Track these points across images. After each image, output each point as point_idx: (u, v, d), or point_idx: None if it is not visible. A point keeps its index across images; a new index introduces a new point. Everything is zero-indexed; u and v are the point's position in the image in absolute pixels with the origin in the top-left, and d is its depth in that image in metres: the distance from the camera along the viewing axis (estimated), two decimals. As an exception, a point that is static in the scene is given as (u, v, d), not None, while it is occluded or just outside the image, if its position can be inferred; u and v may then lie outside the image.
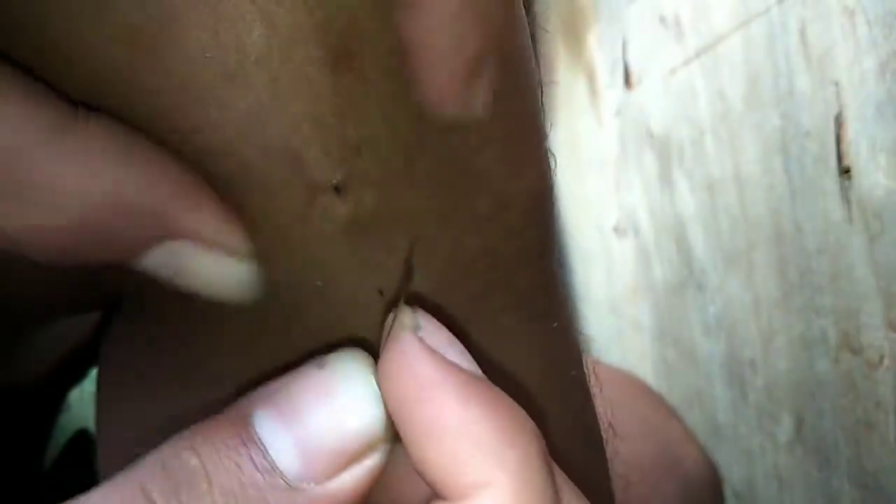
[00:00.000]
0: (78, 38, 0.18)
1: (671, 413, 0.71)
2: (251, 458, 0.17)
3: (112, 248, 0.18)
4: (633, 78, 0.71)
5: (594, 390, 0.27)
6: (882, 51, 0.35)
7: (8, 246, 0.18)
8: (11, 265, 0.22)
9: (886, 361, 0.38)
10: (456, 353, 0.19)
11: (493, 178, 0.22)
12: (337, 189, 0.20)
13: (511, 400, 0.18)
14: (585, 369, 0.27)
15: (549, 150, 0.24)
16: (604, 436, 0.27)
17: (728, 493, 0.63)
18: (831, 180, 0.40)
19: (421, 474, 0.18)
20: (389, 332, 0.19)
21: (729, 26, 0.50)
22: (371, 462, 0.18)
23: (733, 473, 0.61)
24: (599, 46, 0.81)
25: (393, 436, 0.18)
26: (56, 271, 0.22)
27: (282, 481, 0.17)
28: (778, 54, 0.44)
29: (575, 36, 0.87)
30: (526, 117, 0.22)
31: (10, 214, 0.17)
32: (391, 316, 0.19)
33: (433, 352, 0.18)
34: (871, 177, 0.37)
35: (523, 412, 0.18)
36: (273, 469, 0.17)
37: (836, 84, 0.39)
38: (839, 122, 0.39)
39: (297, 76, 0.19)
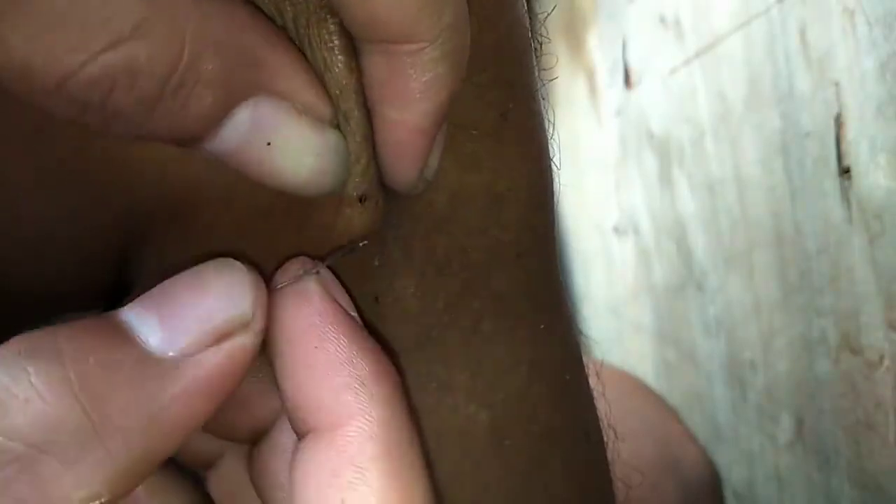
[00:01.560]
0: None
1: (671, 413, 0.71)
2: (112, 337, 0.17)
3: (202, 94, 0.17)
4: (633, 78, 0.71)
5: (597, 392, 0.27)
6: (882, 51, 0.35)
7: (99, 96, 0.16)
8: (14, 258, 0.22)
9: (886, 362, 0.38)
10: (343, 300, 0.20)
11: (446, 176, 0.22)
12: (361, 199, 0.21)
13: (381, 350, 0.20)
14: (584, 373, 0.27)
15: (535, 156, 0.24)
16: (605, 438, 0.27)
17: (728, 493, 0.63)
18: (831, 181, 0.40)
19: (294, 409, 0.19)
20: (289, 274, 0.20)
21: (729, 26, 0.50)
22: (242, 339, 0.18)
23: (733, 474, 0.61)
24: (599, 46, 0.81)
25: (264, 321, 0.19)
26: (58, 264, 0.22)
27: (146, 353, 0.17)
28: (778, 54, 0.44)
29: (575, 36, 0.87)
30: (484, 127, 0.23)
31: (101, 46, 0.16)
32: (292, 261, 0.20)
33: (323, 291, 0.20)
34: (871, 177, 0.37)
35: (389, 361, 0.20)
36: (135, 341, 0.17)
37: (836, 84, 0.39)
38: (839, 122, 0.39)
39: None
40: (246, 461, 0.22)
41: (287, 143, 0.18)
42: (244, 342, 0.18)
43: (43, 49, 0.15)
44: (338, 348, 0.19)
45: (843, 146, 0.39)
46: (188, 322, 0.18)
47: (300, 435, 0.19)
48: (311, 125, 0.19)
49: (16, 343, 0.17)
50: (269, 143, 0.18)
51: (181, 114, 0.17)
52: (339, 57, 0.19)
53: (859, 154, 0.38)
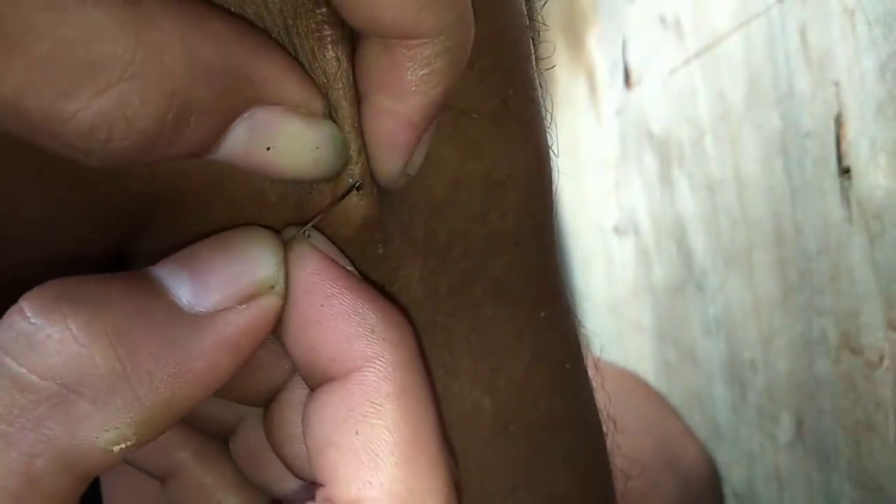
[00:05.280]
0: None
1: (671, 411, 0.71)
2: (145, 290, 0.18)
3: (199, 121, 0.17)
4: (633, 78, 0.71)
5: (596, 384, 0.28)
6: (882, 51, 0.35)
7: (97, 138, 0.16)
8: (10, 249, 0.22)
9: (886, 361, 0.38)
10: (342, 260, 0.21)
11: (445, 162, 0.22)
12: (357, 188, 0.21)
13: (387, 300, 0.20)
14: (584, 363, 0.27)
15: (534, 143, 0.24)
16: (604, 429, 0.28)
17: (728, 493, 0.63)
18: (831, 181, 0.40)
19: (307, 365, 0.20)
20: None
21: (729, 26, 0.50)
22: (268, 300, 0.19)
23: (733, 473, 0.61)
24: (599, 46, 0.81)
25: (283, 295, 0.19)
26: (54, 255, 0.22)
27: (177, 306, 0.18)
28: (778, 54, 0.44)
29: (575, 36, 0.87)
30: (483, 112, 0.23)
31: (94, 91, 0.16)
32: (283, 230, 0.20)
33: (322, 252, 0.20)
34: (871, 177, 0.37)
35: (396, 308, 0.20)
36: (167, 295, 0.18)
37: (836, 84, 0.39)
38: (839, 122, 0.39)
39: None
40: (261, 431, 0.23)
41: (286, 144, 0.19)
42: (270, 303, 0.19)
43: (34, 98, 0.15)
44: (343, 301, 0.19)
45: (843, 146, 0.39)
46: (218, 281, 0.18)
47: (314, 388, 0.20)
48: (305, 122, 0.19)
49: (50, 287, 0.17)
50: (268, 148, 0.19)
51: (180, 141, 0.17)
52: (328, 48, 0.20)
53: (859, 154, 0.38)
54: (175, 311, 0.18)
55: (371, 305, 0.19)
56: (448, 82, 0.19)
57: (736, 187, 0.53)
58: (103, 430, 0.17)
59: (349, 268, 0.20)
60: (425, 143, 0.21)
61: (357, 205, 0.21)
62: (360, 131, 0.20)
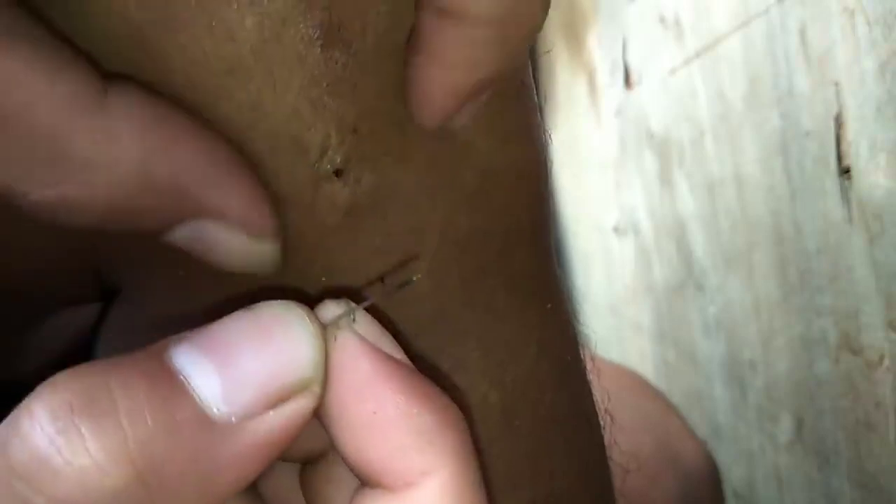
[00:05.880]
0: (83, 33, 0.18)
1: (671, 408, 0.71)
2: (168, 389, 0.16)
3: (141, 221, 0.19)
4: (633, 78, 0.71)
5: (592, 379, 0.28)
6: (882, 51, 0.35)
7: (46, 214, 0.18)
8: (11, 257, 0.22)
9: (886, 361, 0.38)
10: (388, 345, 0.19)
11: (478, 151, 0.22)
12: (337, 173, 0.20)
13: (440, 390, 0.18)
14: (582, 356, 0.27)
15: (542, 132, 0.24)
16: (602, 424, 0.28)
17: (728, 493, 0.63)
18: (831, 180, 0.40)
19: (357, 470, 0.18)
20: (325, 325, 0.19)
21: (729, 26, 0.50)
22: (302, 402, 0.17)
23: (733, 473, 0.61)
24: (599, 46, 0.81)
25: (324, 383, 0.18)
26: (56, 263, 0.22)
27: (204, 413, 0.16)
28: (778, 54, 0.44)
29: (575, 36, 0.87)
30: (511, 94, 0.22)
31: (46, 184, 0.17)
32: (324, 304, 0.19)
33: (370, 345, 0.18)
34: (871, 177, 0.37)
35: (451, 401, 0.18)
36: (192, 397, 0.16)
37: (836, 84, 0.39)
38: (839, 122, 0.39)
39: (290, 56, 0.19)
40: (296, 474, 0.21)
41: (226, 251, 0.20)
42: (304, 405, 0.17)
43: None
44: (397, 407, 0.18)
45: (843, 146, 0.39)
46: (249, 379, 0.17)
47: (364, 483, 0.18)
48: (247, 240, 0.20)
49: (65, 390, 0.16)
50: (209, 249, 0.19)
51: (127, 227, 0.19)
52: (316, 46, 0.20)
53: (859, 154, 0.38)
54: (202, 420, 0.16)
55: (427, 407, 0.18)
56: (497, 66, 0.19)
57: (736, 187, 0.53)
58: None
59: (398, 356, 0.19)
60: (470, 110, 0.21)
61: (340, 191, 0.21)
62: (349, 125, 0.20)
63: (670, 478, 0.61)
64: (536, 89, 0.24)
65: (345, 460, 0.18)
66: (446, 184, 0.22)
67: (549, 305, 0.25)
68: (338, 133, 0.20)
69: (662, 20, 0.61)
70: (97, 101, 0.17)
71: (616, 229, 0.83)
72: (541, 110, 0.25)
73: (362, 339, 0.18)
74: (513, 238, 0.23)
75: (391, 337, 0.19)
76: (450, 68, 0.19)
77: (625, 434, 0.30)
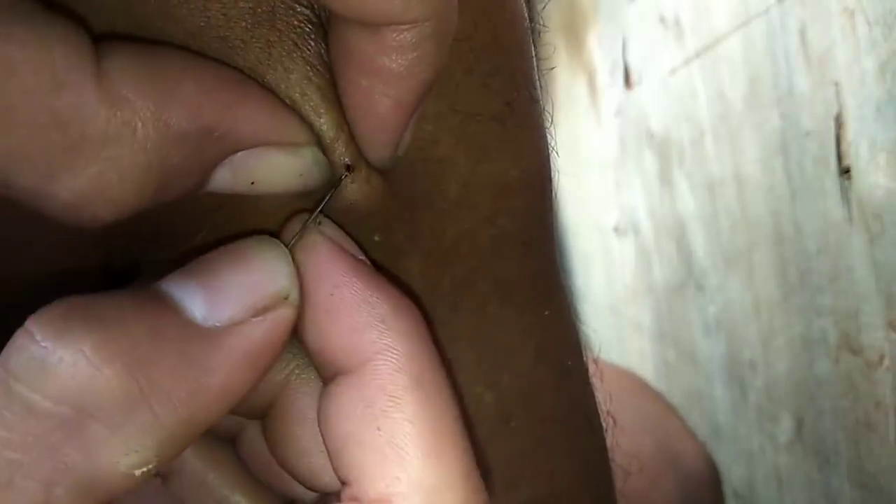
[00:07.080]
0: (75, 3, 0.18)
1: (671, 410, 0.71)
2: (156, 307, 0.18)
3: (180, 180, 0.18)
4: (633, 78, 0.71)
5: (594, 382, 0.28)
6: (882, 51, 0.35)
7: (82, 212, 0.17)
8: (18, 260, 0.22)
9: (886, 361, 0.38)
10: (351, 247, 0.20)
11: (457, 164, 0.23)
12: (349, 168, 0.21)
13: (397, 287, 0.20)
14: (585, 360, 0.27)
15: (540, 149, 0.24)
16: (604, 425, 0.28)
17: (728, 493, 0.63)
18: (831, 180, 0.40)
19: (319, 355, 0.19)
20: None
21: (729, 26, 0.50)
22: (282, 312, 0.19)
23: (733, 473, 0.61)
24: (599, 46, 0.81)
25: (297, 306, 0.19)
26: (60, 265, 0.22)
27: (191, 322, 0.18)
28: (778, 54, 0.44)
29: (575, 36, 0.87)
30: (489, 115, 0.23)
31: (73, 173, 0.17)
32: (292, 218, 0.20)
33: (332, 240, 0.20)
34: (871, 177, 0.37)
35: (407, 296, 0.20)
36: (180, 311, 0.18)
37: (836, 84, 0.39)
38: (839, 122, 0.39)
39: (287, 40, 0.20)
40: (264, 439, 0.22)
41: (268, 177, 0.20)
42: (284, 314, 0.19)
43: (19, 177, 0.16)
44: (353, 291, 0.19)
45: (843, 146, 0.39)
46: (232, 294, 0.18)
47: (327, 380, 0.20)
48: (286, 154, 0.20)
49: (58, 307, 0.17)
50: (252, 183, 0.19)
51: (165, 196, 0.18)
52: (310, 38, 0.20)
53: (859, 154, 0.38)
54: (190, 327, 0.18)
55: (381, 294, 0.19)
56: (437, 64, 0.19)
57: (736, 187, 0.53)
58: (123, 455, 0.17)
59: (360, 257, 0.20)
60: (413, 124, 0.21)
61: (349, 188, 0.21)
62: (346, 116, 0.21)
63: (670, 479, 0.61)
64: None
65: (306, 348, 0.20)
66: (435, 192, 0.23)
67: (546, 312, 0.25)
68: (348, 131, 0.21)
69: (662, 20, 0.61)
70: (95, 72, 0.17)
71: (616, 229, 0.83)
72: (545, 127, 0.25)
73: (324, 235, 0.20)
74: (500, 246, 0.24)
75: (353, 242, 0.21)
76: (399, 79, 0.19)
77: (625, 436, 0.30)
